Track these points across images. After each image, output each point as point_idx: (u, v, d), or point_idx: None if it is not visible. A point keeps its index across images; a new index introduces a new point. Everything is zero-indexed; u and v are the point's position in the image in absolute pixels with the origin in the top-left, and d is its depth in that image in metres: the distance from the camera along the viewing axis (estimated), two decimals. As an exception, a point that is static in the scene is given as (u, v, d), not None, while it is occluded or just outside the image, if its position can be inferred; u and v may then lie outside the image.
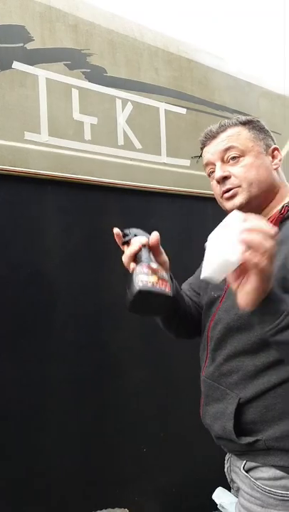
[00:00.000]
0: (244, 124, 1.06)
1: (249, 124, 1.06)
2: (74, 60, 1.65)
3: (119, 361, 1.74)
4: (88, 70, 1.69)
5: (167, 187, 1.90)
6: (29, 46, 1.53)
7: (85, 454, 1.64)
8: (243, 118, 1.08)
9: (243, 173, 1.01)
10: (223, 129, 1.08)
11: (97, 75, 1.72)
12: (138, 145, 1.82)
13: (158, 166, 1.88)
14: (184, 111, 1.98)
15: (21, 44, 1.51)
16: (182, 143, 1.96)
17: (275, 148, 1.05)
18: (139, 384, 1.79)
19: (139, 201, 1.84)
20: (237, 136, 1.04)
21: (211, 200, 2.03)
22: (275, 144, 1.06)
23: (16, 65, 1.49)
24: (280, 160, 1.05)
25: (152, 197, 1.86)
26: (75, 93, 1.65)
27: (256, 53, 2.77)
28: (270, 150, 1.04)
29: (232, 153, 1.03)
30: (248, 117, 1.08)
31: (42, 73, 1.56)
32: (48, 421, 1.55)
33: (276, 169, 1.05)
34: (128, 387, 1.76)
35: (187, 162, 1.98)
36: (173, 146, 1.93)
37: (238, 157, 1.03)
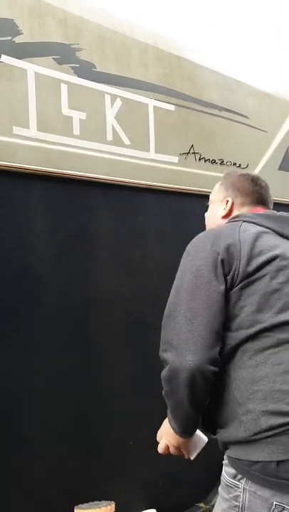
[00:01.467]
0: (223, 178, 1.36)
1: (224, 179, 1.35)
2: (63, 54, 1.65)
3: (106, 355, 1.75)
4: (77, 65, 1.69)
5: (155, 183, 1.91)
6: (18, 40, 1.52)
7: (71, 447, 1.65)
8: (225, 175, 1.37)
9: (206, 218, 1.37)
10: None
11: (86, 70, 1.71)
12: (127, 141, 1.83)
13: (146, 162, 1.89)
14: (172, 107, 1.99)
15: (10, 37, 1.50)
16: (171, 139, 1.97)
17: (228, 200, 1.30)
18: (127, 377, 1.80)
19: (126, 197, 1.84)
20: (214, 190, 1.37)
21: (198, 196, 2.05)
22: (231, 196, 1.30)
23: (4, 58, 1.49)
24: (225, 209, 1.30)
25: (140, 193, 1.87)
26: (64, 88, 1.65)
27: (245, 52, 2.79)
28: (224, 201, 1.31)
29: (208, 203, 1.38)
30: (228, 174, 1.36)
31: (30, 67, 1.55)
32: (33, 413, 1.56)
33: (224, 216, 1.29)
34: (115, 380, 1.77)
35: (175, 159, 1.99)
36: (161, 143, 1.94)
37: (209, 205, 1.37)
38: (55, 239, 1.64)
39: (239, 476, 1.01)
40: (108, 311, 1.78)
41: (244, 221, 1.16)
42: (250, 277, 1.04)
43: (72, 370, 1.65)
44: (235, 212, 1.28)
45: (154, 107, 1.93)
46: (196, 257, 1.07)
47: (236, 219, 1.21)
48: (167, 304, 1.06)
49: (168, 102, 1.97)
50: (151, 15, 2.12)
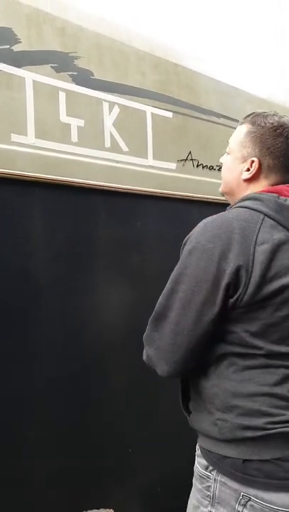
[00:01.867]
0: (250, 124, 1.13)
1: (252, 125, 1.12)
2: (61, 62, 1.66)
3: (104, 361, 1.75)
4: (75, 73, 1.70)
5: (153, 189, 1.91)
6: (16, 48, 1.53)
7: (70, 455, 1.64)
8: (253, 119, 1.13)
9: (222, 171, 1.20)
10: (241, 121, 1.18)
11: (84, 78, 1.72)
12: (125, 148, 1.84)
13: (144, 169, 1.89)
14: (170, 114, 2.00)
15: (8, 46, 1.51)
16: (168, 146, 1.98)
17: (253, 161, 1.11)
18: (126, 384, 1.80)
19: (125, 203, 1.85)
20: (235, 134, 1.17)
21: (197, 202, 2.06)
22: (258, 155, 1.10)
23: (3, 66, 1.50)
24: (249, 172, 1.11)
25: (138, 199, 1.88)
26: (62, 95, 1.66)
27: (243, 59, 2.81)
28: (249, 161, 1.11)
29: (227, 148, 1.19)
30: (257, 119, 1.13)
31: (29, 75, 1.56)
32: (31, 421, 1.55)
33: (248, 179, 1.12)
34: (114, 387, 1.76)
35: (173, 165, 2.00)
36: (159, 149, 1.94)
37: (228, 153, 1.18)
38: (54, 245, 1.64)
39: (211, 468, 1.07)
40: (107, 317, 1.77)
41: (266, 216, 1.01)
42: (254, 305, 0.99)
43: (70, 377, 1.65)
44: (261, 179, 1.10)
45: (152, 113, 1.94)
46: (198, 265, 1.00)
47: (258, 205, 1.03)
48: (159, 300, 1.06)
49: (165, 109, 1.98)
50: (149, 23, 2.14)
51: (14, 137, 1.51)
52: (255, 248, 0.98)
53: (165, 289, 1.06)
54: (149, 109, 1.93)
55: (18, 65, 1.54)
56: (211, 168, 2.14)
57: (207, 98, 2.16)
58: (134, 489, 1.83)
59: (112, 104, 1.81)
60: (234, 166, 1.14)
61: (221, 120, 2.21)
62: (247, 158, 1.11)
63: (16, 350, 1.53)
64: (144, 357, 1.10)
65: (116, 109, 1.82)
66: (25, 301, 1.55)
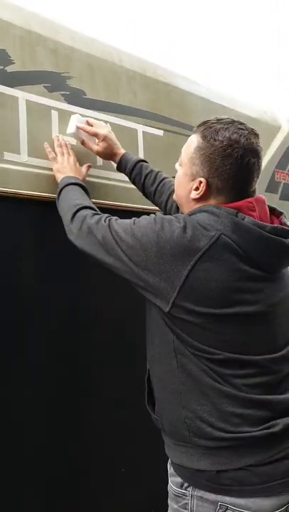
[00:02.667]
0: (201, 137, 1.11)
1: (202, 140, 1.10)
2: (54, 82, 1.69)
3: (95, 380, 1.74)
4: (68, 93, 1.73)
5: (147, 206, 1.93)
6: (9, 69, 1.55)
7: (61, 476, 1.62)
8: (204, 132, 1.11)
9: (175, 181, 1.24)
10: (194, 129, 1.18)
11: (76, 97, 1.75)
12: (117, 165, 1.85)
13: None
14: (161, 133, 2.04)
15: (1, 67, 1.54)
16: (160, 164, 2.00)
17: (201, 182, 1.10)
18: (117, 402, 1.78)
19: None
20: (186, 146, 1.17)
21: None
22: (206, 176, 1.09)
23: (-4, 86, 1.52)
24: (197, 192, 1.11)
25: (132, 215, 1.88)
26: (54, 114, 1.68)
27: (231, 77, 2.88)
28: (197, 180, 1.11)
29: (179, 158, 1.21)
30: (208, 132, 1.10)
31: (22, 95, 1.59)
32: (18, 442, 1.52)
33: (196, 199, 1.12)
34: (105, 406, 1.75)
35: (165, 182, 2.02)
36: (151, 167, 1.97)
37: (180, 164, 1.20)
38: (45, 263, 1.64)
39: (186, 485, 1.08)
40: (99, 332, 1.77)
41: (222, 234, 1.01)
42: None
43: (60, 395, 1.63)
44: (210, 199, 1.10)
45: (144, 132, 1.97)
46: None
47: (212, 223, 1.02)
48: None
49: (156, 128, 2.02)
50: (140, 44, 2.19)
51: (7, 155, 1.52)
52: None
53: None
54: (140, 128, 1.96)
55: (12, 85, 1.56)
56: (202, 184, 2.17)
57: (196, 116, 2.20)
58: (126, 510, 1.80)
59: (103, 123, 1.83)
60: (184, 182, 1.16)
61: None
62: (196, 176, 1.11)
63: (3, 366, 1.51)
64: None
65: (108, 128, 1.85)
66: (14, 317, 1.55)
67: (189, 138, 1.16)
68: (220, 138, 1.07)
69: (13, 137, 1.55)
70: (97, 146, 1.63)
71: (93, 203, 1.73)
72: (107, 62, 1.89)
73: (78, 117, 1.65)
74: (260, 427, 1.04)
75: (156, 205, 1.68)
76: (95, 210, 1.32)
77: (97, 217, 1.24)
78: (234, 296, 1.03)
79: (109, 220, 1.20)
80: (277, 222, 1.15)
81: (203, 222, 1.04)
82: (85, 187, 1.49)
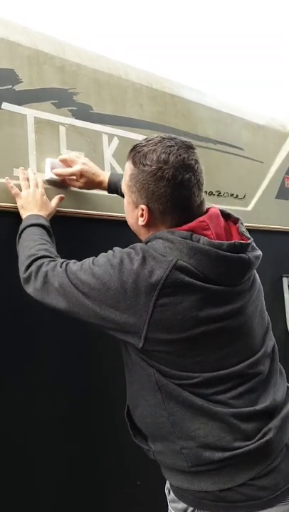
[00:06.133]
0: (132, 163, 1.10)
1: (133, 166, 1.09)
2: (61, 99, 1.73)
3: (107, 391, 1.74)
4: (75, 108, 1.77)
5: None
6: (18, 88, 1.60)
7: (77, 489, 1.62)
8: (134, 158, 1.10)
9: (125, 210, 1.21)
10: (127, 155, 1.15)
11: (83, 112, 1.79)
12: (124, 177, 1.88)
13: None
14: (168, 144, 2.05)
15: (10, 86, 1.58)
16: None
17: (143, 209, 1.09)
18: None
19: (127, 232, 1.87)
20: (124, 173, 1.15)
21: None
22: (145, 202, 1.08)
23: (5, 105, 1.56)
24: (143, 219, 1.11)
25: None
26: (62, 130, 1.72)
27: (237, 86, 2.90)
28: (139, 208, 1.10)
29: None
30: (136, 158, 1.09)
31: (30, 112, 1.63)
32: (32, 456, 1.53)
33: (144, 226, 1.12)
34: (118, 417, 1.75)
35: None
36: (159, 178, 1.98)
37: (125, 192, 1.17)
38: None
39: (190, 510, 1.06)
40: (109, 344, 1.77)
41: (179, 260, 1.01)
42: None
43: (74, 408, 1.64)
44: (158, 224, 1.09)
45: (150, 143, 1.99)
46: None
47: (167, 251, 1.02)
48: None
49: (163, 139, 2.03)
50: (145, 56, 2.23)
51: (16, 172, 1.56)
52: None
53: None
54: (147, 140, 1.98)
55: (20, 103, 1.61)
56: (210, 193, 2.18)
57: (204, 126, 2.22)
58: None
59: (111, 136, 1.86)
60: (130, 211, 1.16)
61: (218, 146, 2.26)
62: (137, 204, 1.11)
63: (16, 378, 1.53)
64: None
65: (115, 141, 1.88)
66: (24, 328, 1.57)
67: (125, 165, 1.15)
68: (148, 162, 1.06)
69: (22, 154, 1.59)
70: (78, 182, 1.58)
71: (103, 215, 1.77)
72: (113, 76, 1.92)
73: (51, 161, 1.59)
74: (256, 438, 1.04)
75: None
76: (52, 257, 1.23)
77: (52, 264, 1.17)
78: (201, 314, 1.02)
79: (66, 265, 1.14)
80: (235, 230, 1.14)
81: (159, 251, 1.04)
82: (46, 226, 1.39)
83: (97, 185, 1.59)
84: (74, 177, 1.58)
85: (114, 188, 1.58)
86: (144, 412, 1.14)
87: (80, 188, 1.62)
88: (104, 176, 1.59)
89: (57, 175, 1.58)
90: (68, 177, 1.59)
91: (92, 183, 1.59)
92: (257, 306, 1.16)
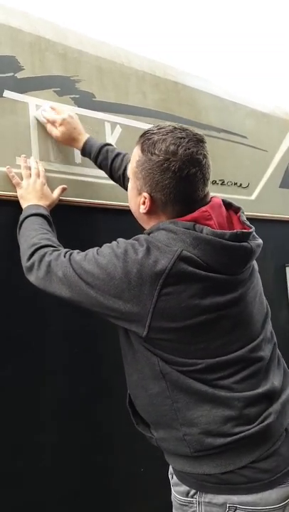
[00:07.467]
0: (140, 150, 1.10)
1: (141, 153, 1.09)
2: (63, 86, 1.71)
3: (112, 381, 1.75)
4: (77, 96, 1.75)
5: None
6: (19, 75, 1.58)
7: (80, 477, 1.64)
8: (143, 144, 1.10)
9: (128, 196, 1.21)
10: (137, 140, 1.15)
11: (86, 100, 1.77)
12: (127, 166, 1.86)
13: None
14: (171, 132, 2.03)
15: (12, 73, 1.57)
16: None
17: (145, 197, 1.10)
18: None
19: (130, 220, 1.86)
20: (132, 158, 1.15)
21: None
22: (148, 191, 1.08)
23: (7, 93, 1.55)
24: (144, 207, 1.12)
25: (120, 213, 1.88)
26: (64, 118, 1.70)
27: (241, 74, 2.86)
28: (142, 195, 1.11)
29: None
30: (146, 145, 1.08)
31: (32, 100, 1.61)
32: (39, 443, 1.55)
33: (146, 213, 1.13)
34: (121, 406, 1.76)
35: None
36: (162, 166, 1.97)
37: (129, 177, 1.17)
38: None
39: (192, 492, 1.08)
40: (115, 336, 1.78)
41: (183, 250, 1.02)
42: None
43: (79, 397, 1.65)
44: (159, 213, 1.11)
45: (154, 132, 1.97)
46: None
47: (171, 242, 1.03)
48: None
49: (167, 127, 2.01)
50: (148, 44, 2.20)
51: (19, 160, 1.55)
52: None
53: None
54: (150, 128, 1.97)
55: (22, 91, 1.59)
56: (214, 182, 2.17)
57: (207, 114, 2.20)
58: (147, 510, 1.81)
59: (113, 124, 1.85)
60: (133, 196, 1.16)
61: (222, 134, 2.24)
62: (141, 191, 1.11)
63: (21, 370, 1.54)
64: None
65: (118, 129, 1.86)
66: (31, 319, 1.57)
67: (134, 149, 1.15)
68: (156, 152, 1.05)
69: (24, 142, 1.58)
70: (56, 130, 1.56)
71: (104, 204, 1.76)
72: (115, 63, 1.90)
73: (45, 105, 1.61)
74: (257, 422, 1.07)
75: (126, 189, 1.62)
76: (54, 246, 1.23)
77: (56, 253, 1.17)
78: (204, 303, 1.03)
79: (70, 255, 1.14)
80: (236, 219, 1.15)
81: (163, 242, 1.04)
82: (47, 216, 1.39)
83: (73, 140, 1.58)
84: (56, 124, 1.56)
85: (88, 151, 1.58)
86: (145, 401, 1.15)
87: (56, 137, 1.58)
88: (83, 136, 1.58)
89: (44, 116, 1.57)
90: (51, 123, 1.57)
91: (69, 137, 1.57)
92: (256, 292, 1.19)
